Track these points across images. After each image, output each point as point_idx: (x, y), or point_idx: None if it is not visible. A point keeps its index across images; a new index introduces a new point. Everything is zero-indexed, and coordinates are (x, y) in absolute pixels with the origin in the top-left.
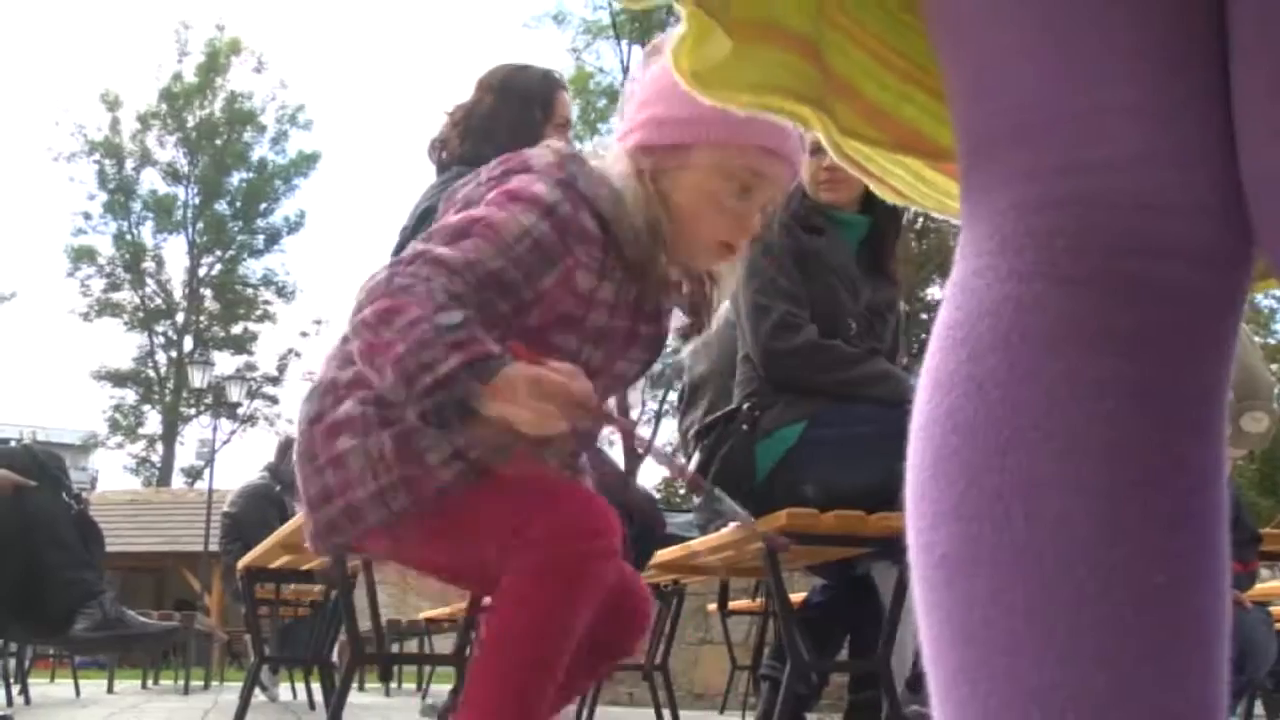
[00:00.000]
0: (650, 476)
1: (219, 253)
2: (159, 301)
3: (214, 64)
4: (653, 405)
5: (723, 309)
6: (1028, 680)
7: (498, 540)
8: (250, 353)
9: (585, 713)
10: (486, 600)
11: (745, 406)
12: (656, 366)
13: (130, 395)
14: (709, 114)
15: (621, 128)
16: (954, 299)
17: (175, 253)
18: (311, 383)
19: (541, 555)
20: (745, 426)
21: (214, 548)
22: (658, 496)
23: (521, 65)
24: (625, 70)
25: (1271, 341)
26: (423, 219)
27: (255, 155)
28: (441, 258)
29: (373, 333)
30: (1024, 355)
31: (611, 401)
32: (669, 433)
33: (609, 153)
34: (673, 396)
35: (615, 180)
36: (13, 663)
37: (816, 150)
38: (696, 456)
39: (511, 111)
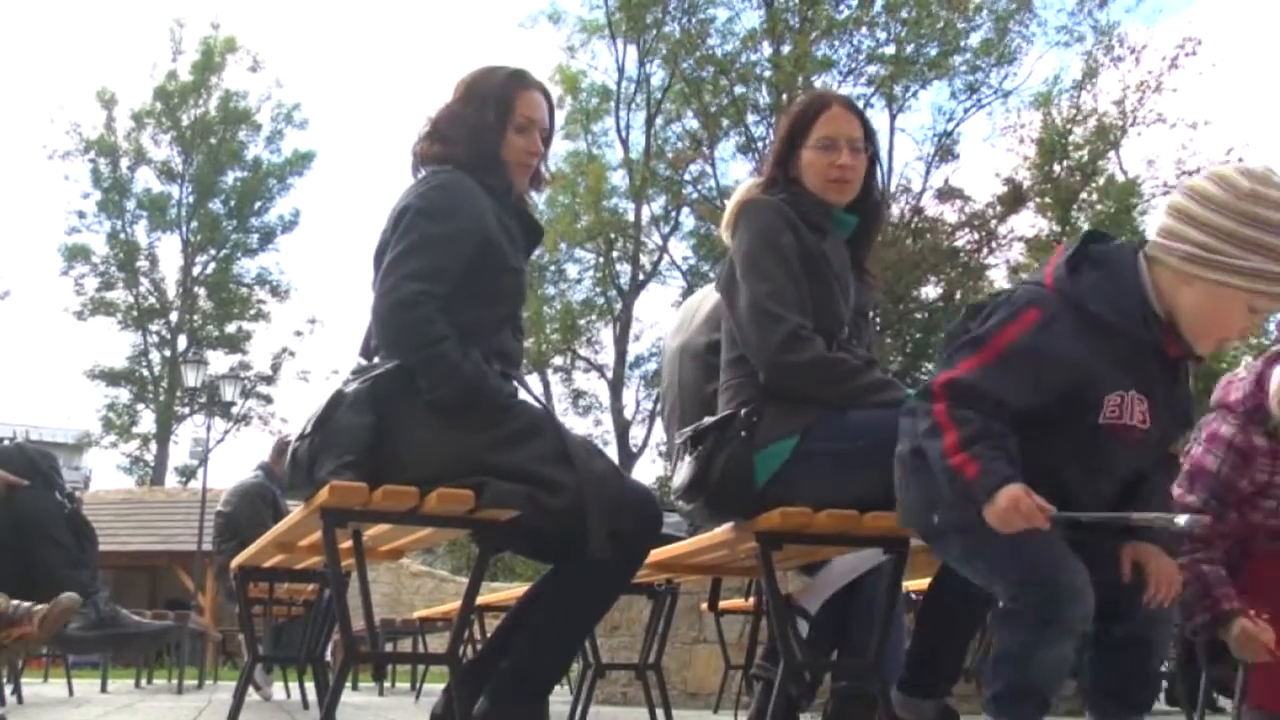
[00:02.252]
0: (645, 475)
1: (213, 251)
2: (153, 300)
3: (209, 62)
4: (647, 405)
5: (704, 308)
6: None
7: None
8: (244, 352)
9: (579, 711)
10: None
11: (742, 413)
12: (652, 366)
13: (124, 394)
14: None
15: None
16: None
17: (169, 251)
18: None
19: None
20: (743, 433)
21: (207, 547)
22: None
23: (491, 67)
24: (620, 69)
25: (1265, 342)
26: (398, 219)
27: (250, 154)
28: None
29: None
30: None
31: None
32: (661, 433)
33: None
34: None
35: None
36: None
37: (828, 147)
38: (689, 463)
39: (470, 113)
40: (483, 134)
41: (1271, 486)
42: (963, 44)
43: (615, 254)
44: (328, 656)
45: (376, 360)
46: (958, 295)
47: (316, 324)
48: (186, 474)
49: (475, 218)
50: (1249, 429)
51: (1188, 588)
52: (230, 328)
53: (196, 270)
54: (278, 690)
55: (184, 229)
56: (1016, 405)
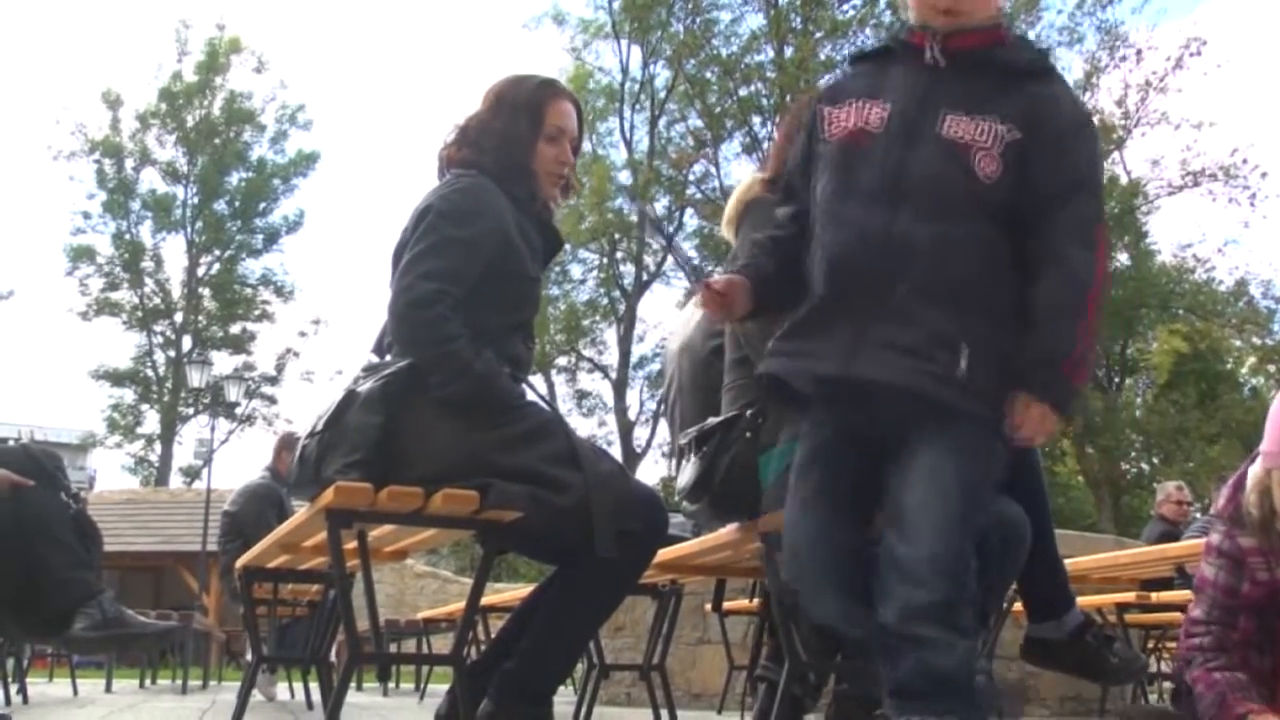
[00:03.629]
0: (649, 475)
1: (218, 252)
2: (157, 301)
3: (214, 63)
4: (651, 406)
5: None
6: None
7: None
8: (249, 352)
9: (583, 711)
10: None
11: (748, 414)
12: (655, 367)
13: (128, 394)
14: None
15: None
16: None
17: (174, 252)
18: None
19: None
20: (749, 434)
21: (212, 547)
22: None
23: (522, 75)
24: (624, 70)
25: (1270, 343)
26: (419, 219)
27: (254, 155)
28: None
29: None
30: None
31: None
32: (664, 434)
33: None
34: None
35: None
36: (11, 662)
37: None
38: (694, 463)
39: (501, 122)
40: (514, 144)
41: (1277, 583)
42: None
43: (619, 254)
44: (332, 657)
45: (389, 357)
46: None
47: (321, 324)
48: (191, 474)
49: (496, 223)
50: (1233, 532)
51: (1204, 698)
52: (235, 328)
53: (201, 271)
54: (282, 691)
55: (189, 230)
56: (795, 182)
